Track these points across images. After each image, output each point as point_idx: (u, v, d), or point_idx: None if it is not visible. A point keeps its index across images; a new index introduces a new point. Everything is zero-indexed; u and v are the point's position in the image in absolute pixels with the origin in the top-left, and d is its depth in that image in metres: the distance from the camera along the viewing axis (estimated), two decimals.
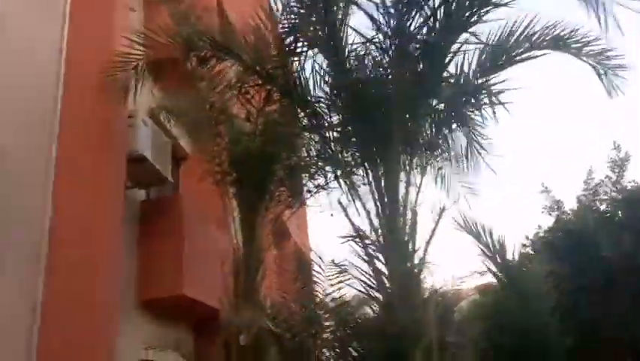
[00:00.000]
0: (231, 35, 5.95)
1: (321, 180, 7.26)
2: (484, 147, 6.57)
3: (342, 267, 6.56)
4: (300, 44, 5.88)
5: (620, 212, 9.51)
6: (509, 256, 6.00)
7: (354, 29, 5.10)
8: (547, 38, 5.54)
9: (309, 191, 7.27)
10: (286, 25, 6.00)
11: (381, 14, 4.92)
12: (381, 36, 5.07)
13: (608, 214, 9.82)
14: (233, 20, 6.56)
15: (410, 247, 4.87)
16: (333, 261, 6.71)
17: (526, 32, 5.49)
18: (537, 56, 5.69)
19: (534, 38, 5.53)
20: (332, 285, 6.49)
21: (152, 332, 7.30)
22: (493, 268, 7.12)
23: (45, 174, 6.12)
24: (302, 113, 6.11)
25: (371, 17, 4.92)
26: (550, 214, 10.76)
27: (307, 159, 7.24)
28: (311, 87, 5.85)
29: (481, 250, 5.85)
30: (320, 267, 6.64)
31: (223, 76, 6.79)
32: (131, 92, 6.86)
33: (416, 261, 4.87)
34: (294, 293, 6.82)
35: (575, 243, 8.73)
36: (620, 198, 9.82)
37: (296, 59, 5.95)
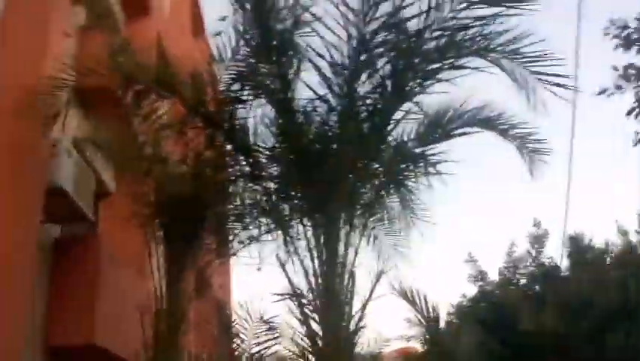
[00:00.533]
0: (174, 73, 5.92)
1: (254, 232, 7.24)
2: (417, 213, 6.99)
3: (271, 324, 6.53)
4: (246, 92, 5.97)
5: (537, 287, 10.20)
6: (442, 324, 6.24)
7: (307, 85, 5.27)
8: (477, 118, 6.11)
9: (240, 242, 7.20)
10: (234, 72, 6.09)
11: (333, 74, 5.14)
12: (330, 95, 5.27)
13: (527, 288, 10.52)
14: (174, 60, 6.52)
15: (347, 310, 4.92)
16: (261, 318, 6.65)
17: (460, 110, 6.04)
18: (470, 133, 6.23)
19: (466, 116, 6.08)
20: (259, 343, 6.41)
21: None
22: (423, 334, 7.41)
23: None
24: (244, 162, 6.14)
25: (324, 76, 5.12)
26: (474, 284, 11.35)
27: (241, 208, 7.21)
28: (254, 136, 5.93)
29: (416, 316, 6.04)
30: (247, 322, 6.55)
31: (160, 114, 6.72)
32: (57, 119, 6.65)
33: (352, 324, 4.92)
34: (217, 349, 6.62)
35: (498, 316, 9.21)
36: (538, 274, 10.54)
37: (241, 106, 6.02)
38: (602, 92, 6.97)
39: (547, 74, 5.06)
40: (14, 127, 6.26)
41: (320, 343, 4.88)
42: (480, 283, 11.25)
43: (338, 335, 4.86)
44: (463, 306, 10.79)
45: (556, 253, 11.08)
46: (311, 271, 5.10)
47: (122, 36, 6.58)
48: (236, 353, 6.47)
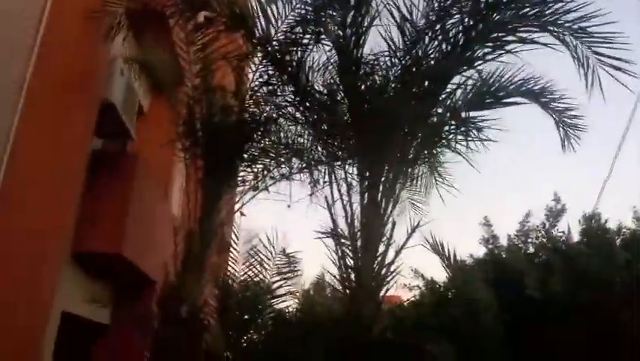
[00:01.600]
0: (246, 6, 6.08)
1: (285, 170, 7.61)
2: (442, 174, 7.41)
3: (292, 258, 7.05)
4: (308, 36, 6.20)
5: (545, 257, 10.71)
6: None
7: (382, 37, 5.48)
8: (522, 89, 6.33)
9: (272, 178, 7.57)
10: (297, 15, 6.25)
11: (404, 32, 5.38)
12: (397, 52, 5.53)
13: (535, 257, 11.05)
14: None
15: (382, 256, 5.36)
16: (283, 251, 7.14)
17: (507, 80, 6.24)
18: (518, 103, 6.57)
19: (512, 87, 6.29)
20: (280, 273, 6.93)
21: (77, 285, 7.32)
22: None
23: (10, 108, 5.88)
24: (296, 102, 6.43)
25: (400, 30, 5.34)
26: (486, 247, 11.91)
27: (277, 146, 7.54)
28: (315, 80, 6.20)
29: (444, 267, 6.59)
30: (271, 254, 7.04)
31: (218, 45, 6.94)
32: (114, 38, 6.89)
33: (384, 270, 5.37)
34: (240, 275, 7.12)
35: (503, 278, 9.73)
36: (548, 245, 11.06)
37: (300, 48, 6.24)
38: None
39: (609, 57, 5.24)
40: (72, 43, 6.47)
41: (353, 283, 5.34)
42: (490, 245, 11.79)
43: (371, 279, 5.30)
44: (469, 265, 11.29)
45: (571, 229, 11.54)
46: (352, 213, 5.53)
47: None
48: (257, 280, 6.97)
